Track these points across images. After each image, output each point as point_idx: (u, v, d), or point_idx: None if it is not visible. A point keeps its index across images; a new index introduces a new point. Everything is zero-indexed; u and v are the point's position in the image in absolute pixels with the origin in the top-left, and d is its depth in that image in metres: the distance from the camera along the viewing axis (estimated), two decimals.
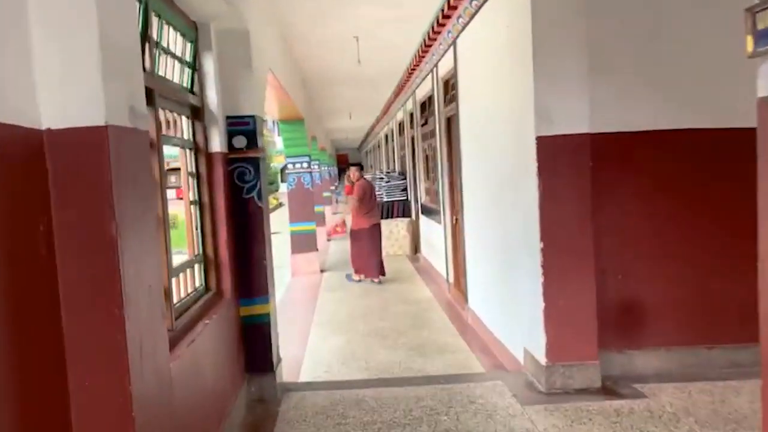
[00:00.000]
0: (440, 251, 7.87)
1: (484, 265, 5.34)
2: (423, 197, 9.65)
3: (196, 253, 3.40)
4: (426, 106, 8.77)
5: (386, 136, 16.11)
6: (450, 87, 6.80)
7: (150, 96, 2.58)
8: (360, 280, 8.37)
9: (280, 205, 28.31)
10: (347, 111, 14.21)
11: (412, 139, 10.37)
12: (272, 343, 3.89)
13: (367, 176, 14.39)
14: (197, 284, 3.38)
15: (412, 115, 10.18)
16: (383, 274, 8.36)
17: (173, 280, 2.97)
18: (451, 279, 7.20)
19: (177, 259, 3.07)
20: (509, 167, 4.26)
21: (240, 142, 3.75)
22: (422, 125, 9.06)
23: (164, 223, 2.66)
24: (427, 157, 9.07)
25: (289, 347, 5.52)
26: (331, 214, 18.57)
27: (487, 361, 4.71)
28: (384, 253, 10.26)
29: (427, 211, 9.04)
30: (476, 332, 5.54)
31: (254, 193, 3.77)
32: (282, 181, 32.48)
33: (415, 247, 10.79)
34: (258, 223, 3.78)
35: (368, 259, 8.23)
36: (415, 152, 10.05)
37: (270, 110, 8.27)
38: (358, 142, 29.10)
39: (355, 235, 8.34)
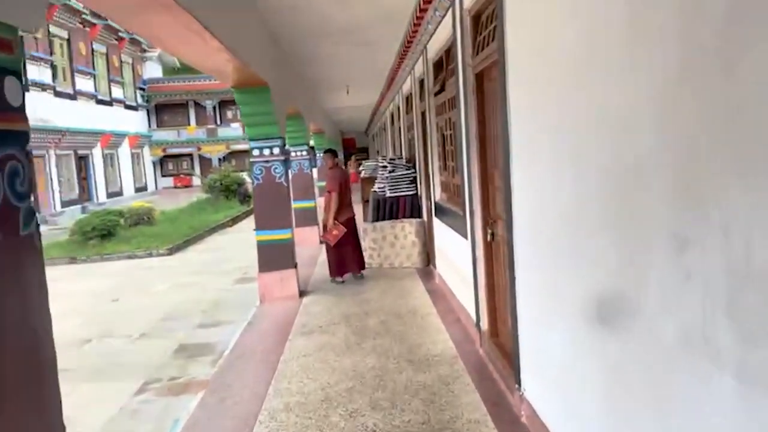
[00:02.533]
0: (464, 274, 5.34)
1: (569, 334, 2.82)
2: (438, 194, 7.09)
3: None
4: (442, 64, 6.18)
5: (391, 115, 13.50)
6: (484, 23, 4.23)
7: None
8: (343, 281, 7.66)
9: None
10: (343, 84, 11.62)
11: (423, 115, 7.79)
12: None
13: (370, 163, 11.98)
14: None
15: (422, 82, 7.59)
16: (363, 267, 7.88)
17: None
18: (484, 324, 4.68)
19: None
20: (667, 140, 1.72)
21: None
22: (437, 93, 6.47)
23: None
24: (444, 138, 6.50)
25: None
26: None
27: None
28: (387, 265, 8.44)
29: (445, 214, 6.48)
30: None
31: None
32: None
33: (427, 256, 8.26)
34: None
35: (349, 255, 7.64)
36: (427, 132, 7.47)
37: (220, 69, 5.73)
38: (365, 125, 26.61)
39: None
